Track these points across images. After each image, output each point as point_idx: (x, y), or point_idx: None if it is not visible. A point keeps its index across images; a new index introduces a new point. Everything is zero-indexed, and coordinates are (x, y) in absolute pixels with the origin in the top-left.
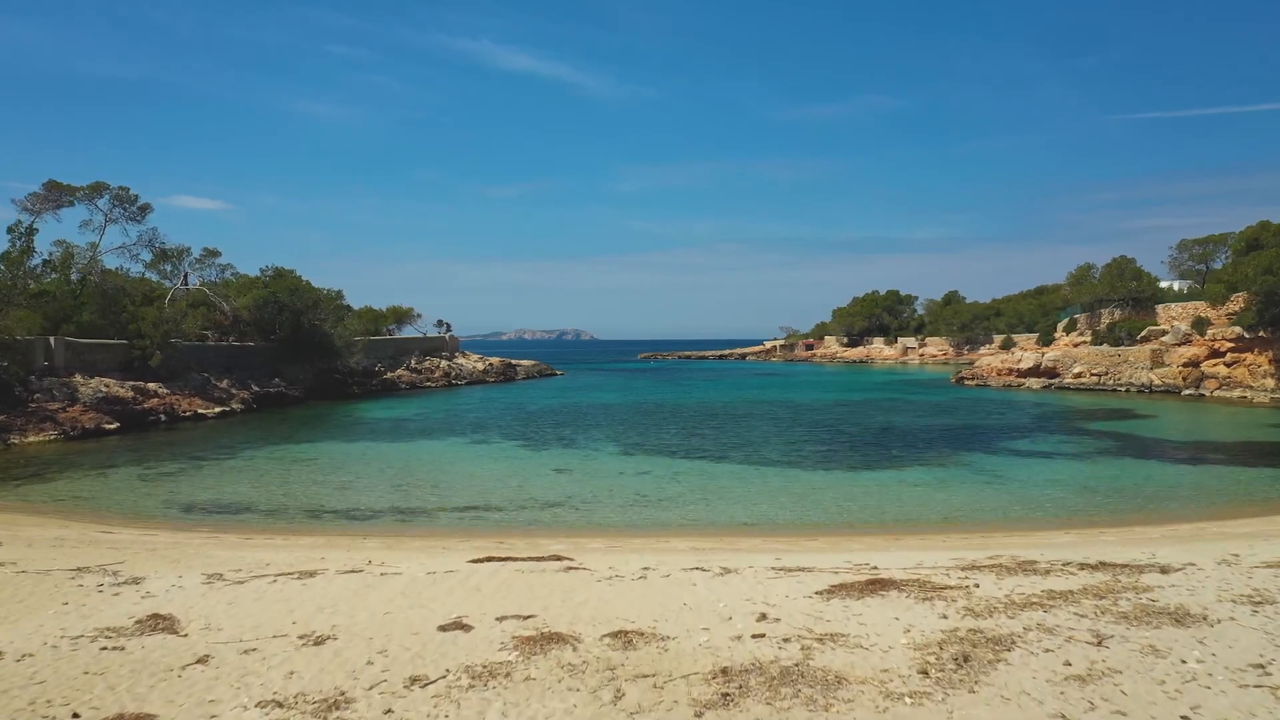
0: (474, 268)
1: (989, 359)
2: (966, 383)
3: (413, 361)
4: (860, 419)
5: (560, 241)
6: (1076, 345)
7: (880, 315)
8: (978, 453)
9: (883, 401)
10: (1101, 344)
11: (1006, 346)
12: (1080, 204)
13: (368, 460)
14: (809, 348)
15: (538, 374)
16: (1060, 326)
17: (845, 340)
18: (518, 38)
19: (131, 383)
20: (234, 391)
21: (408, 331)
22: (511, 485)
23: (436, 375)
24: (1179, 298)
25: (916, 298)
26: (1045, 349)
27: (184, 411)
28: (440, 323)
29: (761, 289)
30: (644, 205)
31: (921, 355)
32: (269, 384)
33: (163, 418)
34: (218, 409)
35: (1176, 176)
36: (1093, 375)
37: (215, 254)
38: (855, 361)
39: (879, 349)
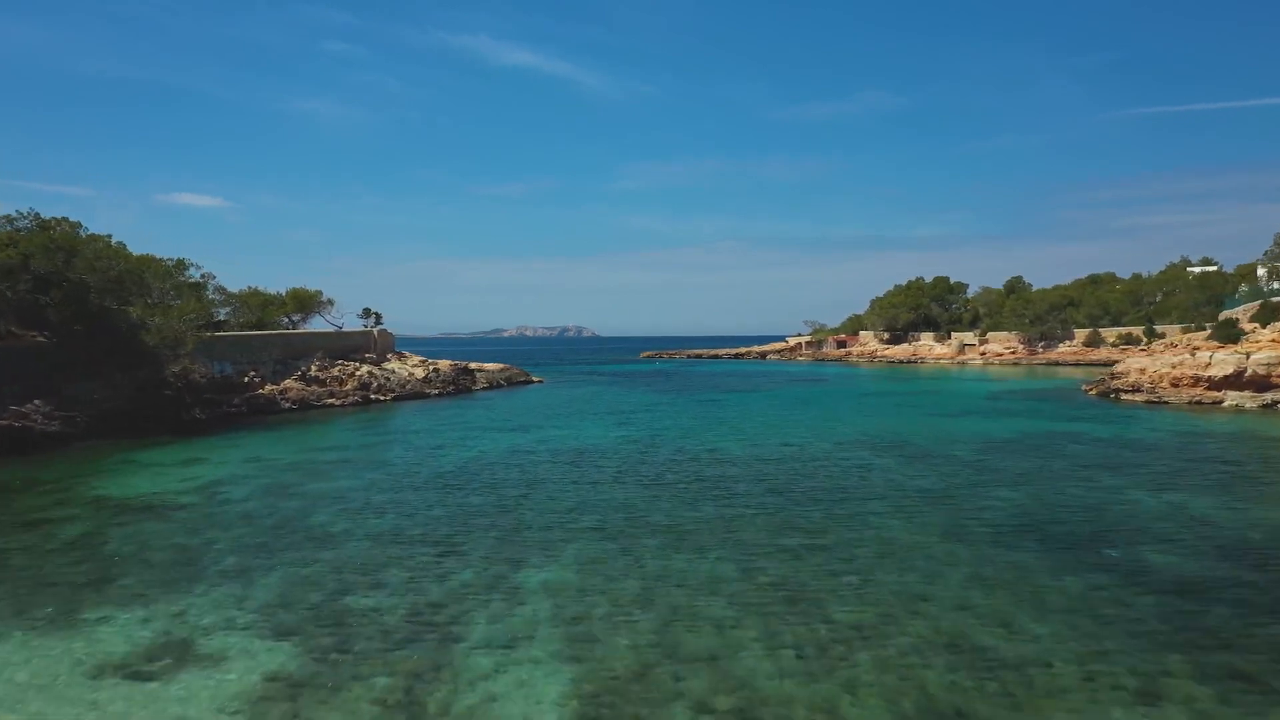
0: (475, 266)
1: (1144, 361)
2: (1126, 398)
3: (313, 367)
4: (1114, 509)
5: (561, 240)
6: None
7: (927, 307)
8: None
9: (1050, 439)
10: None
11: (1093, 343)
12: (1081, 201)
13: None
14: (841, 345)
15: (505, 382)
16: (1244, 315)
17: (886, 336)
18: (516, 34)
19: None
20: None
21: (317, 325)
22: None
23: (348, 388)
24: None
25: (968, 286)
26: (1236, 347)
27: None
28: (367, 312)
29: (763, 287)
30: (644, 203)
31: (984, 354)
32: (6, 410)
33: None
34: None
35: (1178, 173)
36: None
37: None
38: (901, 362)
39: (928, 346)
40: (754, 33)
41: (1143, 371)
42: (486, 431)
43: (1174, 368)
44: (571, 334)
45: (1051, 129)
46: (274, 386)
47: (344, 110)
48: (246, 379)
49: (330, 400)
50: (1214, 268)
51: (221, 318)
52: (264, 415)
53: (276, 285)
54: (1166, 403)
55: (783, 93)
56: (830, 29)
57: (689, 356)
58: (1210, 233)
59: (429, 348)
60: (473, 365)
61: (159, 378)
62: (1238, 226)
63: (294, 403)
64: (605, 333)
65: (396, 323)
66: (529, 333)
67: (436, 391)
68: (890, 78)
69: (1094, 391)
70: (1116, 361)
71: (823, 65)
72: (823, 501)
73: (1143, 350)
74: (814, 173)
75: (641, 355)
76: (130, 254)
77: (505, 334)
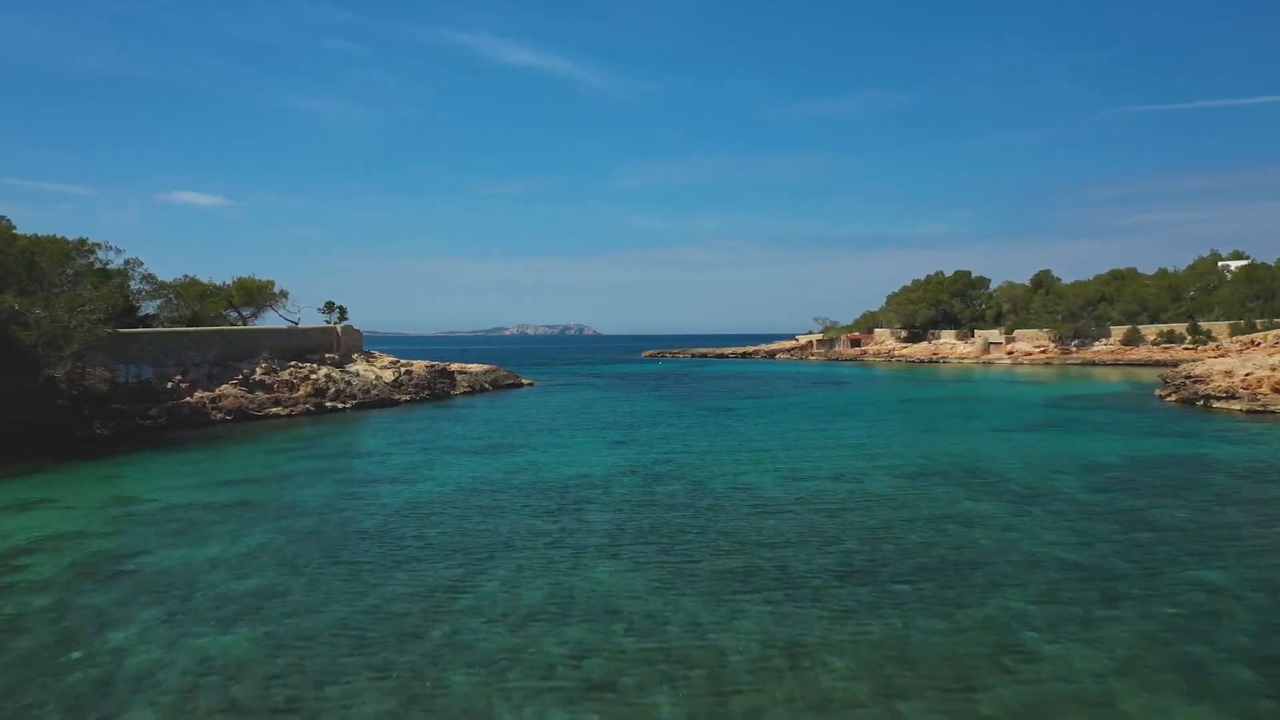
0: (475, 265)
1: (1230, 363)
2: (1219, 405)
3: (258, 370)
4: None
5: (561, 238)
6: None
7: (948, 303)
8: None
9: (1178, 467)
10: None
11: (1131, 341)
12: (1083, 199)
13: None
14: (855, 343)
15: (490, 385)
16: None
17: (904, 334)
18: (516, 32)
19: None
20: None
21: (269, 320)
22: None
23: (299, 394)
24: None
25: (990, 280)
26: None
27: None
28: (330, 306)
29: (765, 285)
30: (645, 202)
31: (1011, 353)
32: None
33: None
34: None
35: (1180, 171)
36: None
37: None
38: (921, 362)
39: (950, 344)
40: (755, 30)
41: (1230, 374)
42: (447, 454)
43: (1275, 370)
44: (573, 332)
45: (1054, 125)
46: (206, 393)
47: (344, 108)
48: (170, 384)
49: (275, 409)
50: (1246, 261)
51: (150, 311)
52: (188, 429)
53: (276, 283)
54: (1272, 412)
55: (784, 90)
56: (831, 26)
57: (693, 356)
58: (1214, 230)
59: (429, 346)
60: (454, 367)
61: (40, 384)
62: (1237, 224)
63: (229, 413)
64: (607, 331)
65: (396, 321)
66: (530, 331)
67: (408, 397)
68: (892, 75)
69: (1173, 398)
70: (1165, 362)
71: (824, 63)
72: (930, 596)
73: (1187, 348)
74: (815, 170)
75: (643, 355)
76: (17, 234)
77: (506, 332)
